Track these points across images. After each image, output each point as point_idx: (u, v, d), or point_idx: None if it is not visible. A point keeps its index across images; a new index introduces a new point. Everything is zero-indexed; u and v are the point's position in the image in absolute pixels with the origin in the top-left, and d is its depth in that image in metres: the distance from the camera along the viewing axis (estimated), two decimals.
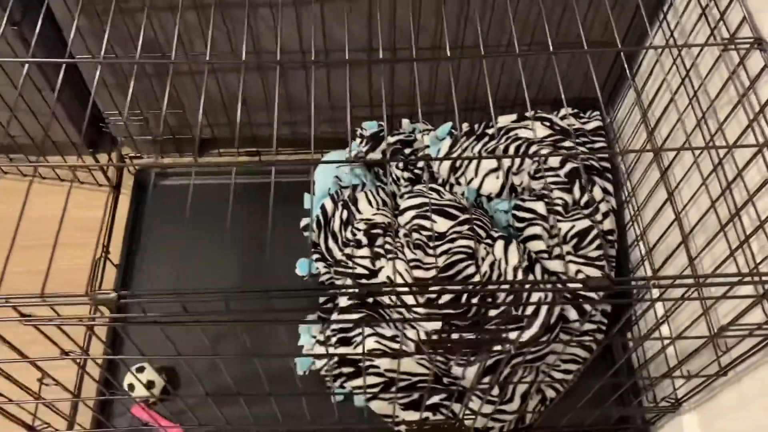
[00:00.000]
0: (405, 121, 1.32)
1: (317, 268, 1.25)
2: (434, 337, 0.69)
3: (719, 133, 0.91)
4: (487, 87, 0.85)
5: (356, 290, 0.62)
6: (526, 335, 0.98)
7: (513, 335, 0.79)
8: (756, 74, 0.84)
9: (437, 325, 0.80)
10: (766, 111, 0.82)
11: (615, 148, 1.26)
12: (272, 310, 0.66)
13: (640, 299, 0.65)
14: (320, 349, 1.16)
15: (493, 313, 1.05)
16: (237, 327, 0.67)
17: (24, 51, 1.10)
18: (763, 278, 0.67)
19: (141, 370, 1.14)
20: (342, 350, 1.11)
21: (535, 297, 1.04)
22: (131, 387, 1.13)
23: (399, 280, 1.08)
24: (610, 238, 1.17)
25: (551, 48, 0.82)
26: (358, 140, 1.30)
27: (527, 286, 0.71)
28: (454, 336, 0.75)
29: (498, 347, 1.02)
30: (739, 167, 0.86)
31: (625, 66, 0.79)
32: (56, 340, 0.74)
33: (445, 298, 1.06)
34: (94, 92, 0.85)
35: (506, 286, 0.90)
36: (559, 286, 0.65)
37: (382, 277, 1.12)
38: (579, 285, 0.63)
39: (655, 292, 0.72)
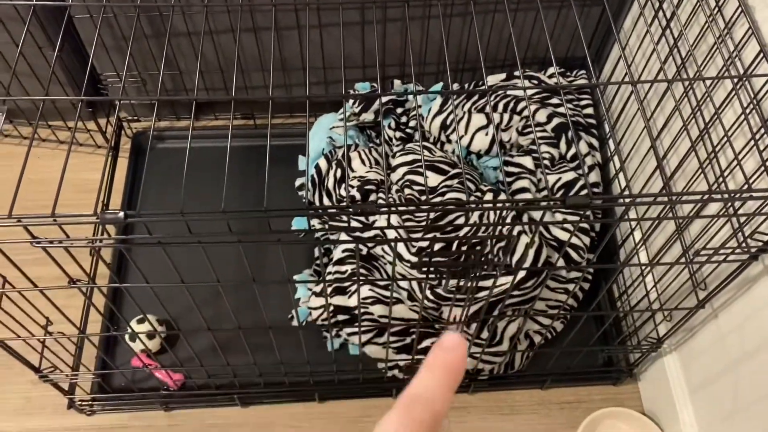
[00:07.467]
0: (396, 82, 1.36)
1: (313, 225, 1.29)
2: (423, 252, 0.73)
3: (697, 74, 0.95)
4: (477, 40, 0.89)
5: (350, 209, 0.65)
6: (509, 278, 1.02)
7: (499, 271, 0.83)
8: (731, 16, 0.88)
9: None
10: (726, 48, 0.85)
11: (601, 106, 1.30)
12: (272, 231, 0.70)
13: (621, 219, 0.68)
14: (317, 301, 1.20)
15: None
16: (239, 250, 0.70)
17: (25, 11, 1.13)
18: (733, 195, 0.70)
19: (142, 321, 1.17)
20: (337, 299, 1.15)
21: (521, 243, 1.08)
22: (132, 338, 1.16)
23: (391, 233, 1.11)
24: (595, 190, 1.21)
25: (539, 5, 0.86)
26: (351, 101, 1.34)
27: (507, 204, 0.75)
28: (442, 255, 0.79)
29: (484, 290, 1.06)
30: (715, 105, 0.90)
31: (609, 17, 0.83)
32: (62, 269, 0.77)
33: (436, 247, 1.09)
34: (93, 45, 0.88)
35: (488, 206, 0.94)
36: (543, 204, 0.68)
37: (375, 231, 1.15)
38: (559, 201, 0.66)
39: (633, 216, 0.75)
